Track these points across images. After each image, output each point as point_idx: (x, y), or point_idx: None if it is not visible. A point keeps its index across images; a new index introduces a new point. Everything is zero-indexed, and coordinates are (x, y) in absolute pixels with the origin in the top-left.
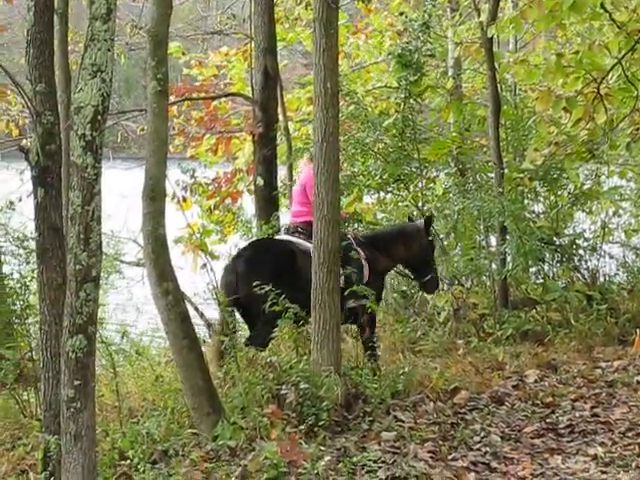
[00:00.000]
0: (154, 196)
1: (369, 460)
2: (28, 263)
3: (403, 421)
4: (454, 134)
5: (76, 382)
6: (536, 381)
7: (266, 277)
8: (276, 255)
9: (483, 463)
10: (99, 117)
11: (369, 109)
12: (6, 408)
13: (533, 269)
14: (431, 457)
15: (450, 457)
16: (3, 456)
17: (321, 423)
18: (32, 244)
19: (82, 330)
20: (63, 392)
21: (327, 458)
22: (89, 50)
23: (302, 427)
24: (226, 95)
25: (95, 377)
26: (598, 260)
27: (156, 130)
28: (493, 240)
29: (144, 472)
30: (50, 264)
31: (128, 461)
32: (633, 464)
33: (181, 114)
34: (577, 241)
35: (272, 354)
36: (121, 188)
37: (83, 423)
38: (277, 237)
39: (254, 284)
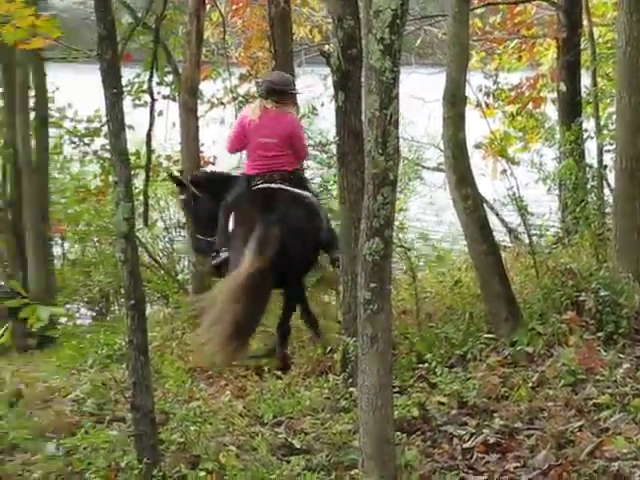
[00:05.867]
0: (454, 101)
1: None
2: (330, 167)
3: None
4: None
5: (372, 285)
6: None
7: None
8: None
9: None
10: (398, 21)
11: None
12: None
13: None
14: None
15: None
16: (303, 357)
17: (620, 330)
18: (334, 148)
19: (379, 233)
20: (360, 294)
21: (626, 365)
22: None
23: (600, 334)
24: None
25: (392, 280)
26: None
27: (456, 35)
28: None
29: (441, 375)
30: (350, 168)
31: (426, 364)
32: None
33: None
34: None
35: (571, 261)
36: (424, 94)
37: (379, 325)
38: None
39: None
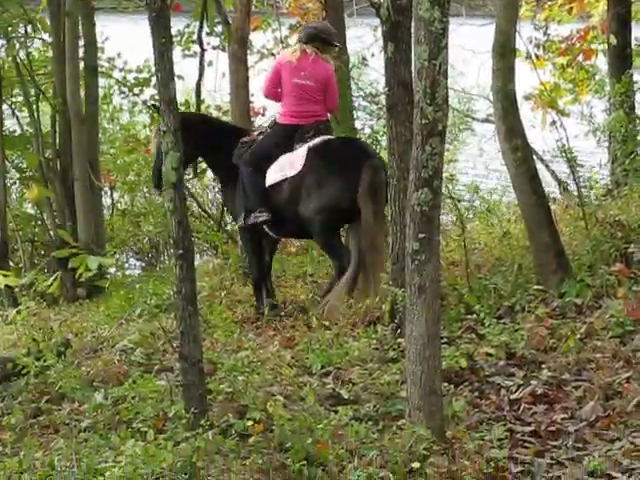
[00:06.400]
0: (504, 52)
1: None
2: (379, 118)
3: None
4: None
5: (421, 235)
6: None
7: None
8: None
9: None
10: None
11: None
12: None
13: None
14: None
15: None
16: (351, 308)
17: None
18: (383, 99)
19: (427, 184)
20: (408, 245)
21: None
22: None
23: None
24: None
25: (440, 231)
26: None
27: None
28: None
29: (490, 326)
30: (399, 119)
31: (474, 315)
32: None
33: None
34: None
35: (621, 212)
36: (474, 45)
37: (427, 275)
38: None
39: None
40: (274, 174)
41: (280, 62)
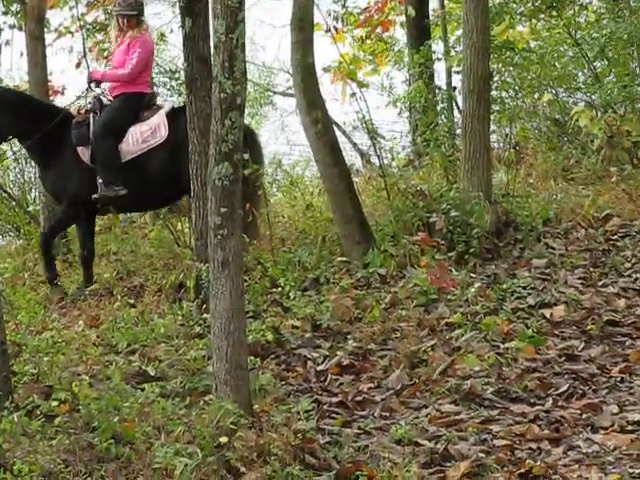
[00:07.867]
0: (302, 25)
1: (519, 287)
2: (180, 94)
3: (554, 248)
4: None
5: (223, 209)
6: None
7: None
8: None
9: (633, 289)
10: None
11: None
12: (160, 238)
13: None
14: (581, 283)
15: (600, 283)
16: (156, 284)
17: (471, 250)
18: (183, 75)
19: (228, 158)
20: (210, 220)
21: (477, 285)
22: None
23: (452, 254)
24: None
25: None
26: None
27: None
28: None
29: (295, 299)
30: (199, 94)
31: (279, 289)
32: None
33: None
34: None
35: (422, 182)
36: (274, 19)
37: (230, 250)
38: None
39: None
40: (135, 146)
41: (149, 42)
